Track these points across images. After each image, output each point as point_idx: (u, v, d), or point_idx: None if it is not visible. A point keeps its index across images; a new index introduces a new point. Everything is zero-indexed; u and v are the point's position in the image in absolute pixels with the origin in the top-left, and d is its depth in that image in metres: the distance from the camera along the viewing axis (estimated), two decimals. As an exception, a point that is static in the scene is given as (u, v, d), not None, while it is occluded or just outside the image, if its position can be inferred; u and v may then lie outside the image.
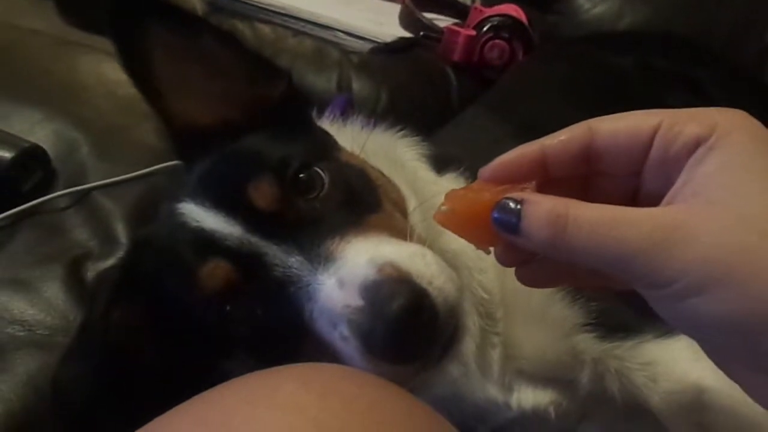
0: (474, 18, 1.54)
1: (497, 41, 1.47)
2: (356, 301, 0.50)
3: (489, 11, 1.52)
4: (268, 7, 1.54)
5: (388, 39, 1.53)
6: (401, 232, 0.60)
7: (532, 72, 1.36)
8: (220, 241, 0.58)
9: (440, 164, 0.79)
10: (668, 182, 0.41)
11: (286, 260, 0.56)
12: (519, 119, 1.04)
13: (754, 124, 0.40)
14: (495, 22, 1.48)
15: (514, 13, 1.50)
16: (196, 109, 0.66)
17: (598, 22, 1.59)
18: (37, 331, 0.76)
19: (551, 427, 0.70)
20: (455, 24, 1.58)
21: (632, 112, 0.43)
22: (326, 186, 0.62)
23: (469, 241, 0.46)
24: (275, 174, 0.61)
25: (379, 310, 0.49)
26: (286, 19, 1.53)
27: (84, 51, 1.19)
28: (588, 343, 0.67)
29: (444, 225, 0.45)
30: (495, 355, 0.70)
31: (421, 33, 1.55)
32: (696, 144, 0.39)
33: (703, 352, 0.41)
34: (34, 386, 0.72)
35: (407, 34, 1.56)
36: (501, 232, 0.42)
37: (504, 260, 0.46)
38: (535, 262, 0.45)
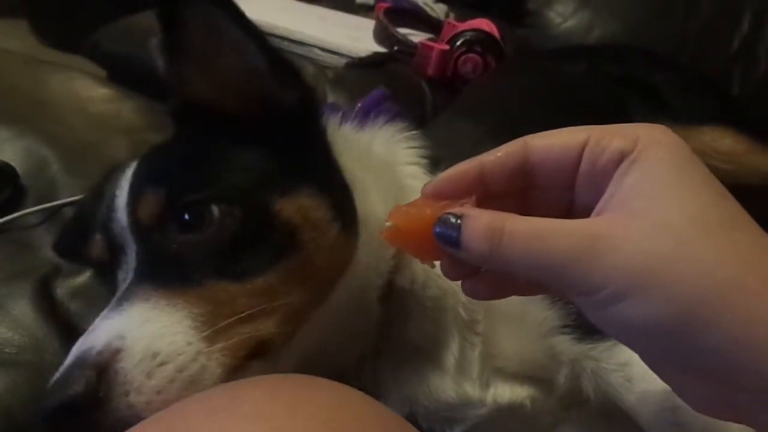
0: (447, 33, 1.55)
1: (470, 55, 1.48)
2: (66, 362, 0.54)
3: (462, 26, 1.53)
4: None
5: (363, 54, 1.53)
6: (266, 313, 0.58)
7: (495, 83, 1.40)
8: (113, 217, 0.64)
9: (431, 162, 0.79)
10: (598, 194, 0.42)
11: (126, 270, 0.61)
12: (492, 122, 1.06)
13: (673, 137, 0.42)
14: (468, 37, 1.49)
15: (486, 28, 1.51)
16: (208, 85, 0.67)
17: (568, 36, 1.61)
18: (5, 350, 0.75)
19: (523, 423, 0.70)
20: (429, 39, 1.59)
21: (563, 128, 0.45)
22: (209, 231, 0.60)
23: (414, 255, 0.47)
24: (168, 194, 0.61)
25: (55, 387, 0.52)
26: (261, 35, 1.53)
27: (55, 69, 1.18)
28: (565, 345, 0.68)
29: (390, 241, 0.46)
30: (474, 354, 0.70)
31: (395, 48, 1.56)
32: (620, 157, 0.41)
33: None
34: (2, 406, 0.70)
35: (381, 49, 1.57)
36: (443, 246, 0.43)
37: (449, 274, 0.47)
38: (479, 274, 0.46)
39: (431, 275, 0.69)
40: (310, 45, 1.55)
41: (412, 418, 0.68)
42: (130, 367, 0.52)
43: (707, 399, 0.40)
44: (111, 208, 0.65)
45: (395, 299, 0.70)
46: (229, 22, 0.64)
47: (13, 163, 0.94)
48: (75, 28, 1.63)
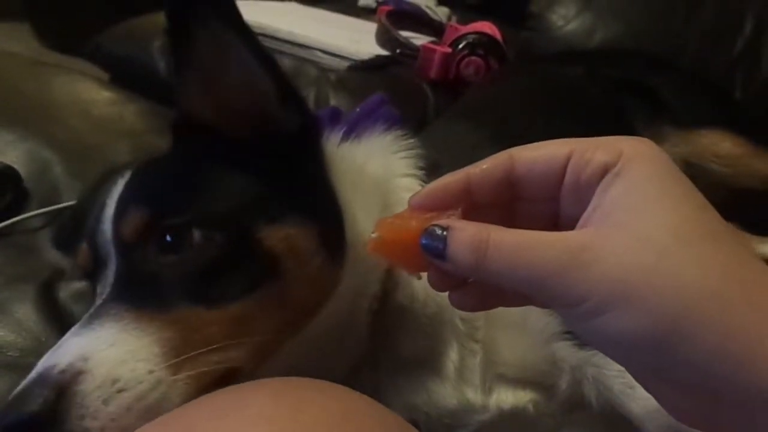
0: (450, 36, 1.55)
1: (473, 58, 1.49)
2: (29, 377, 0.53)
3: (464, 29, 1.53)
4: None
5: (365, 57, 1.54)
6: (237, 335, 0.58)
7: (494, 86, 1.40)
8: (99, 228, 0.63)
9: (429, 172, 0.79)
10: (582, 207, 0.42)
11: (104, 284, 0.61)
12: (491, 126, 1.06)
13: (657, 151, 0.42)
14: (470, 40, 1.50)
15: (488, 31, 1.52)
16: (210, 104, 0.67)
17: (570, 39, 1.61)
18: (8, 353, 0.75)
19: (526, 427, 0.70)
20: (431, 42, 1.59)
21: (548, 141, 0.45)
22: (189, 254, 0.59)
23: (400, 267, 0.47)
24: (152, 214, 0.61)
25: (14, 402, 0.52)
26: (264, 38, 1.53)
27: (58, 72, 1.18)
28: (566, 351, 0.67)
29: (375, 252, 0.46)
30: (476, 362, 0.70)
31: (398, 51, 1.56)
32: (604, 170, 0.41)
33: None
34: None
35: (384, 52, 1.57)
36: (429, 257, 0.43)
37: (437, 285, 0.47)
38: (466, 286, 0.46)
39: (430, 293, 0.68)
40: (312, 48, 1.55)
41: (413, 425, 0.68)
42: (88, 391, 0.51)
43: (690, 411, 0.40)
44: (99, 219, 0.64)
45: (390, 314, 0.69)
46: (240, 43, 0.63)
47: (15, 166, 0.94)
48: (77, 30, 1.64)
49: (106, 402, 0.51)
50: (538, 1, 1.70)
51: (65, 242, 0.84)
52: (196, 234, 0.59)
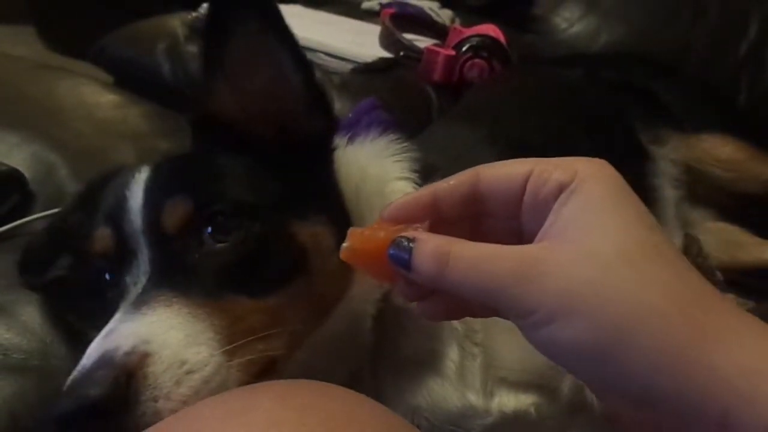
0: (453, 38, 1.55)
1: (476, 60, 1.48)
2: (85, 363, 0.52)
3: (468, 31, 1.53)
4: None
5: (369, 59, 1.54)
6: (269, 326, 0.59)
7: (493, 89, 1.41)
8: (125, 218, 0.63)
9: (423, 175, 0.79)
10: (541, 222, 0.44)
11: (136, 273, 0.60)
12: (489, 127, 1.07)
13: (610, 172, 0.44)
14: (474, 42, 1.50)
15: (492, 33, 1.52)
16: (237, 102, 0.68)
17: (574, 42, 1.61)
18: (13, 355, 0.75)
19: (529, 430, 0.70)
20: (435, 44, 1.59)
21: (511, 160, 0.47)
22: (231, 245, 0.61)
23: (371, 276, 0.50)
24: (195, 206, 0.61)
25: (75, 387, 0.51)
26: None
27: (62, 74, 1.19)
28: None
29: (348, 261, 0.48)
30: (476, 365, 0.70)
31: (401, 53, 1.56)
32: (560, 189, 0.43)
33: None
34: (9, 411, 0.70)
35: (387, 55, 1.57)
36: (396, 267, 0.46)
37: (404, 295, 0.49)
38: (433, 296, 0.48)
39: None
40: (316, 50, 1.55)
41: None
42: (159, 372, 0.51)
43: (635, 421, 0.42)
44: (122, 209, 0.64)
45: (390, 317, 0.70)
46: (278, 44, 0.65)
47: (21, 169, 0.94)
48: (82, 33, 1.64)
49: (178, 383, 0.52)
50: (542, 4, 1.70)
51: (36, 266, 0.81)
52: (239, 224, 0.61)
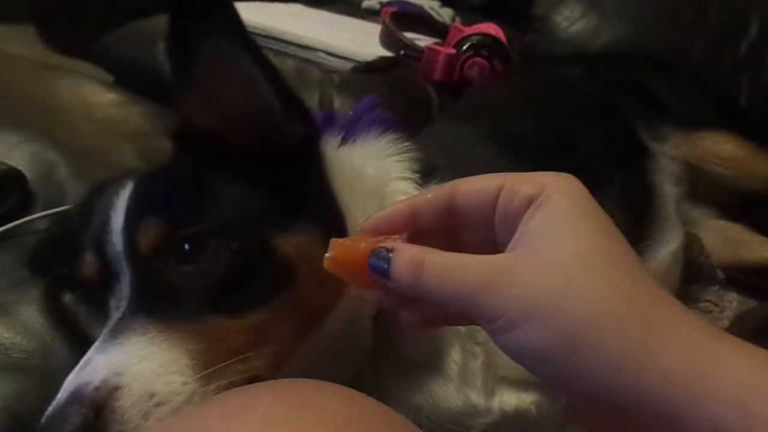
0: (454, 37, 1.55)
1: (477, 59, 1.48)
2: (60, 398, 0.53)
3: (468, 30, 1.53)
4: (249, 28, 1.55)
5: (369, 58, 1.54)
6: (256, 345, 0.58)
7: (493, 87, 1.41)
8: (108, 240, 0.63)
9: (424, 175, 0.79)
10: (512, 234, 0.47)
11: (119, 297, 0.61)
12: (489, 125, 1.07)
13: (576, 186, 0.47)
14: (474, 41, 1.50)
15: (493, 32, 1.51)
16: (212, 114, 0.67)
17: (575, 40, 1.61)
18: (14, 355, 0.75)
19: (529, 428, 0.70)
20: (435, 43, 1.59)
21: (485, 175, 0.50)
22: (208, 264, 0.60)
23: (352, 284, 0.52)
24: (169, 225, 0.61)
25: (50, 423, 0.52)
26: (268, 40, 1.54)
27: (63, 74, 1.19)
28: None
29: (330, 270, 0.50)
30: (477, 364, 0.70)
31: (402, 52, 1.56)
32: (529, 202, 0.46)
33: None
34: (11, 411, 0.70)
35: (388, 54, 1.57)
36: (376, 276, 0.48)
37: (386, 303, 0.51)
38: (414, 304, 0.50)
39: None
40: (316, 49, 1.55)
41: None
42: (127, 406, 0.52)
43: (600, 422, 0.44)
44: (105, 230, 0.64)
45: (389, 319, 0.69)
46: (243, 54, 0.64)
47: (21, 169, 0.94)
48: (82, 33, 1.64)
49: (145, 416, 0.52)
50: (543, 3, 1.69)
51: (42, 264, 0.82)
52: (215, 243, 0.60)
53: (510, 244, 0.46)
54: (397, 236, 0.50)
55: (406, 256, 0.47)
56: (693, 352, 0.39)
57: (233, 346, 0.57)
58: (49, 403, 0.55)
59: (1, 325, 0.77)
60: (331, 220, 0.68)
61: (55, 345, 0.76)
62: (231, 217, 0.63)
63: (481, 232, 0.50)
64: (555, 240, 0.44)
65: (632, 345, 0.40)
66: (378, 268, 0.48)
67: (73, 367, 0.57)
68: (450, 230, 0.51)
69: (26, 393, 0.71)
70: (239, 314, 0.59)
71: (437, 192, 0.50)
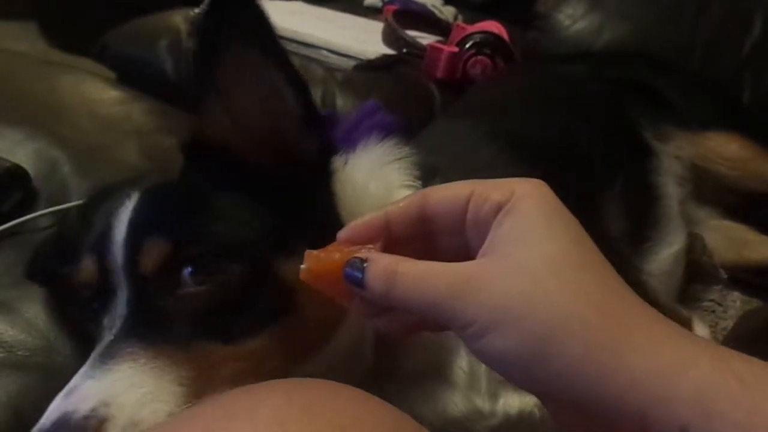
0: (456, 35, 1.55)
1: (480, 57, 1.48)
2: (44, 423, 0.53)
3: (471, 28, 1.53)
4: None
5: (372, 56, 1.54)
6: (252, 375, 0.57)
7: (494, 86, 1.40)
8: (109, 250, 0.62)
9: (425, 180, 0.79)
10: (482, 240, 0.47)
11: (113, 316, 0.59)
12: (490, 124, 1.06)
13: (544, 191, 0.47)
14: (477, 39, 1.50)
15: (495, 30, 1.51)
16: (230, 126, 0.65)
17: (577, 39, 1.60)
18: (17, 352, 0.75)
19: (533, 430, 0.70)
20: (438, 41, 1.59)
21: (455, 182, 0.50)
22: (210, 287, 0.59)
23: (328, 295, 0.51)
24: (174, 247, 0.60)
25: None
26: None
27: (65, 71, 1.19)
28: None
29: (306, 281, 0.50)
30: (481, 368, 0.70)
31: (404, 50, 1.56)
32: (498, 208, 0.46)
33: None
34: (14, 408, 0.70)
35: (390, 52, 1.57)
36: (351, 286, 0.48)
37: (362, 312, 0.51)
38: (390, 313, 0.50)
39: None
40: (318, 47, 1.55)
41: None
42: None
43: (570, 425, 0.44)
44: (108, 241, 0.62)
45: (390, 338, 0.69)
46: (275, 67, 0.63)
47: (24, 166, 0.94)
48: (84, 30, 1.64)
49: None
50: (545, 1, 1.69)
51: (40, 271, 0.81)
52: (219, 266, 0.59)
53: (481, 251, 0.47)
54: (371, 245, 0.50)
55: (380, 265, 0.47)
56: (659, 352, 0.40)
57: (227, 373, 0.57)
58: (50, 400, 0.55)
59: (4, 323, 0.77)
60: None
61: (58, 342, 0.76)
62: (238, 240, 0.62)
63: (454, 239, 0.50)
64: (523, 245, 0.44)
65: (596, 346, 0.40)
66: (353, 278, 0.48)
67: (75, 365, 0.57)
68: (425, 237, 0.51)
69: (29, 390, 0.71)
70: (234, 341, 0.58)
71: (409, 200, 0.51)
